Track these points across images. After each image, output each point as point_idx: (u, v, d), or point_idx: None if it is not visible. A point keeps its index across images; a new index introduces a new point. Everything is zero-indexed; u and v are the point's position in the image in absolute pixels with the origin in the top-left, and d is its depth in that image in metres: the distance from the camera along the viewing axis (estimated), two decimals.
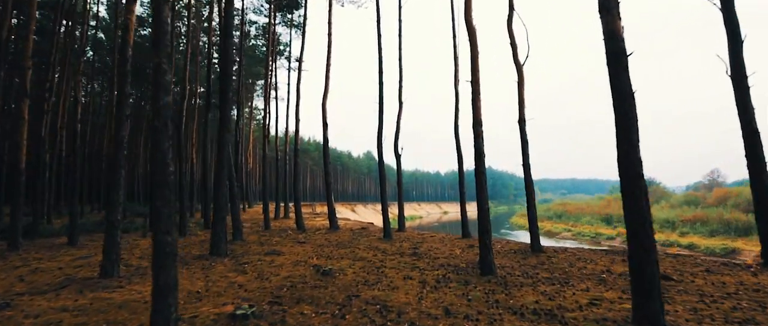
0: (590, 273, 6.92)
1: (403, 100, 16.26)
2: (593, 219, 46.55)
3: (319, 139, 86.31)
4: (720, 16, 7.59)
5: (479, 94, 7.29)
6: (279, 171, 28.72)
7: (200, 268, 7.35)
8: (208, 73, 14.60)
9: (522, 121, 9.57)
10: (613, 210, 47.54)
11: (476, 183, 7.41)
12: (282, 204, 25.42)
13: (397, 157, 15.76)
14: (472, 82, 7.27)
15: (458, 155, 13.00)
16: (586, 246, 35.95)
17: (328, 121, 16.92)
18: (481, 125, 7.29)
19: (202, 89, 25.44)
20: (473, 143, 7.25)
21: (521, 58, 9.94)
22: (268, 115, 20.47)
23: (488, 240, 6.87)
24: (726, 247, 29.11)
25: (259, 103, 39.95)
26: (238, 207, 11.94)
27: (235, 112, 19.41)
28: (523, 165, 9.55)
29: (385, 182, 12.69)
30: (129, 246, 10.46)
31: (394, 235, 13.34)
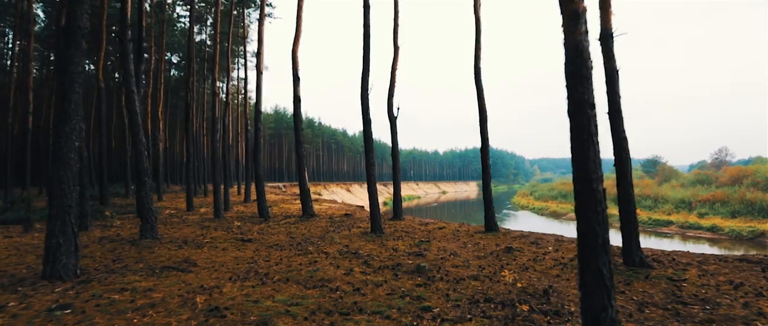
0: None
1: (399, 44, 11.80)
2: None
3: (311, 114, 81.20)
4: None
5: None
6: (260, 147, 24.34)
7: None
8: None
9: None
10: None
11: None
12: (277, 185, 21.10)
13: (392, 120, 11.45)
14: None
15: (481, 113, 8.70)
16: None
17: (299, 74, 12.48)
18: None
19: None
20: None
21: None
22: (227, 74, 15.93)
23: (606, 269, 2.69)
24: (754, 230, 25.47)
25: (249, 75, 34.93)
26: (147, 191, 7.71)
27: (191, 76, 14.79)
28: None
29: (372, 152, 8.47)
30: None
31: (386, 227, 9.26)
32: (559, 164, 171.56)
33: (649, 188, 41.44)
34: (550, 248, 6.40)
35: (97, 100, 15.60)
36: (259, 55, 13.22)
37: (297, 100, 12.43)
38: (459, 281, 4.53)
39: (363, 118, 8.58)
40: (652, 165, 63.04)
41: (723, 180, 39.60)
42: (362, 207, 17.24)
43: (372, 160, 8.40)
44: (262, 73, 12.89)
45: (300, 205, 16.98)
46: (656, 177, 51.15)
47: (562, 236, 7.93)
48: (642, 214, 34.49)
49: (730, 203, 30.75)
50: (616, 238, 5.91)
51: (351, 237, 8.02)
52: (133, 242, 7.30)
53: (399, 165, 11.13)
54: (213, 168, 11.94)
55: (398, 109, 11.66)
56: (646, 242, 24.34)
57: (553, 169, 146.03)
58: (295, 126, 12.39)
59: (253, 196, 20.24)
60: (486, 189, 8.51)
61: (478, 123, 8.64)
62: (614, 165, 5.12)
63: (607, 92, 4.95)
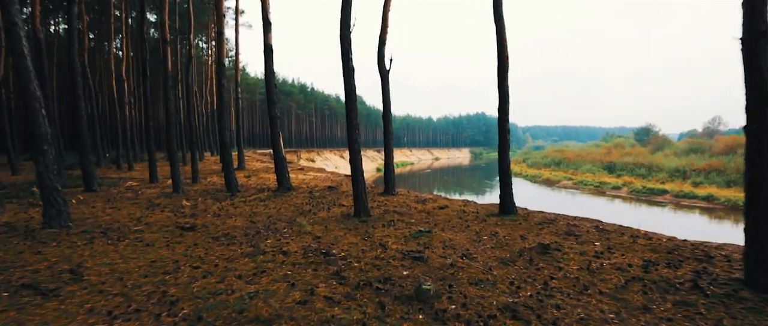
0: None
1: None
2: (594, 168, 41.90)
3: (303, 79, 77.01)
4: None
5: None
6: (244, 112, 21.76)
7: None
8: None
9: None
10: (616, 158, 42.83)
11: None
12: (268, 152, 18.84)
13: (383, 74, 9.14)
14: None
15: (501, 62, 6.42)
16: (602, 199, 31.27)
17: (270, 18, 9.87)
18: None
19: None
20: None
21: None
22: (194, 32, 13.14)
23: None
24: None
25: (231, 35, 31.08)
26: (49, 163, 5.50)
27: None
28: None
29: (355, 112, 6.21)
30: None
31: (375, 206, 7.32)
32: (551, 132, 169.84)
33: (642, 156, 40.28)
34: (597, 245, 4.51)
35: (34, 53, 12.81)
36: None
37: (268, 51, 9.93)
38: (487, 322, 2.63)
39: (343, 66, 6.28)
40: (645, 134, 61.84)
41: (717, 149, 38.64)
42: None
43: (354, 121, 6.22)
44: (239, 15, 10.19)
45: (291, 175, 14.95)
46: (649, 146, 50.23)
47: (599, 222, 6.06)
48: (636, 182, 33.40)
49: (727, 172, 29.77)
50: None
51: (328, 222, 6.05)
52: (28, 233, 5.24)
53: (391, 129, 8.99)
54: (167, 135, 9.65)
55: (391, 60, 9.30)
56: (638, 211, 23.29)
57: (545, 137, 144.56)
58: (266, 81, 9.99)
59: (256, 165, 18.05)
60: (503, 159, 6.46)
61: (496, 74, 6.42)
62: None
63: None
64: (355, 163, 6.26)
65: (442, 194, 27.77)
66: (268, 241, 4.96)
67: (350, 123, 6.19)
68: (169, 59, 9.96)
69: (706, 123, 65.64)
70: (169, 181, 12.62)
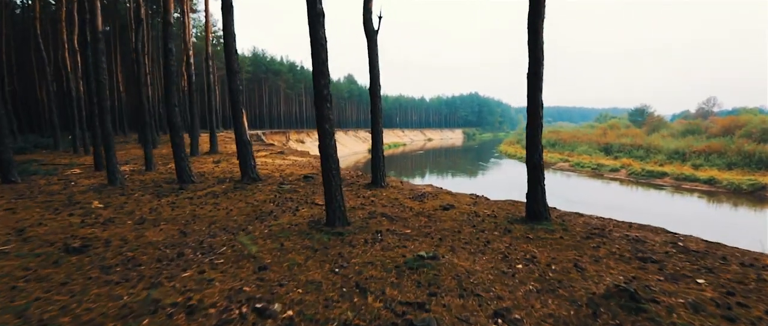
0: None
1: None
2: (591, 149, 40.64)
3: (293, 58, 73.18)
4: None
5: None
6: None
7: None
8: None
9: None
10: (612, 140, 41.54)
11: None
12: (255, 132, 16.64)
13: (370, 34, 7.07)
14: None
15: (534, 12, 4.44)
16: (602, 182, 29.96)
17: None
18: None
19: None
20: None
21: None
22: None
23: None
24: (755, 183, 23.31)
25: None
26: None
27: None
28: None
29: (325, 77, 4.17)
30: None
31: (358, 205, 5.46)
32: (545, 113, 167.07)
33: (639, 138, 39.03)
34: (706, 290, 2.76)
35: None
36: None
37: (227, 7, 7.69)
38: None
39: (308, 7, 4.21)
40: (640, 115, 60.73)
41: (714, 130, 37.63)
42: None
43: (325, 90, 4.21)
44: None
45: (263, 159, 12.99)
46: (644, 127, 49.26)
47: (665, 231, 4.31)
48: (634, 165, 32.18)
49: (727, 154, 28.65)
50: None
51: (287, 234, 4.18)
52: None
53: (381, 106, 7.02)
54: (99, 112, 7.49)
55: (380, 18, 7.21)
56: (648, 197, 21.95)
57: None
58: (226, 44, 7.80)
59: (233, 147, 15.81)
60: (533, 146, 4.57)
61: (527, 23, 4.44)
62: None
63: None
64: (327, 150, 4.30)
65: (439, 182, 26.16)
66: (185, 275, 3.10)
67: (319, 93, 4.20)
68: (97, 15, 7.66)
69: (700, 104, 64.69)
70: (124, 168, 10.56)
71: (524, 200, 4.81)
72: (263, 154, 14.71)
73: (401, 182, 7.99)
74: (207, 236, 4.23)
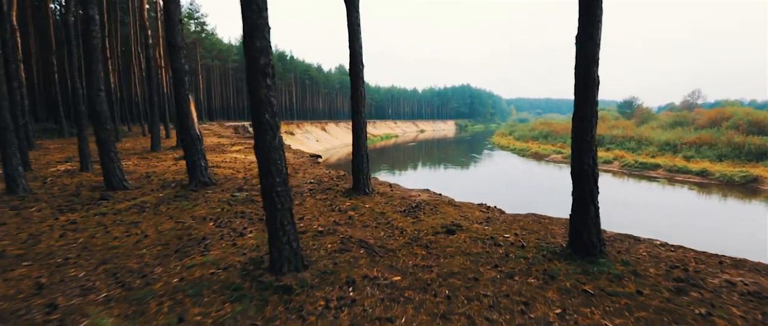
0: None
1: None
2: None
3: (282, 47, 70.25)
4: None
5: None
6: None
7: None
8: None
9: None
10: (603, 131, 40.66)
11: None
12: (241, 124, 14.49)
13: (349, 5, 5.32)
14: None
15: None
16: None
17: None
18: None
19: None
20: None
21: None
22: None
23: None
24: (746, 175, 22.48)
25: None
26: None
27: None
28: None
29: (264, 40, 2.56)
30: None
31: (324, 234, 3.80)
32: (535, 104, 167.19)
33: (630, 129, 38.24)
34: None
35: None
36: None
37: None
38: None
39: None
40: (628, 107, 60.30)
41: (701, 122, 37.14)
42: (317, 159, 11.61)
43: (260, 59, 2.52)
44: None
45: (235, 154, 11.16)
46: (633, 119, 48.83)
47: None
48: (627, 156, 31.24)
49: (717, 146, 27.93)
50: None
51: (202, 293, 2.51)
52: None
53: (363, 91, 5.33)
54: None
55: None
56: (633, 186, 20.93)
57: (529, 109, 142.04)
58: (166, 11, 5.95)
59: (209, 141, 13.67)
60: (584, 149, 2.98)
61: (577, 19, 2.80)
62: None
63: None
64: (268, 155, 2.60)
65: (434, 175, 24.63)
66: None
67: (253, 62, 2.50)
68: None
69: (685, 96, 64.50)
70: (60, 168, 8.68)
71: (546, 213, 3.28)
72: (237, 148, 12.86)
73: (390, 187, 6.34)
74: (64, 297, 2.54)
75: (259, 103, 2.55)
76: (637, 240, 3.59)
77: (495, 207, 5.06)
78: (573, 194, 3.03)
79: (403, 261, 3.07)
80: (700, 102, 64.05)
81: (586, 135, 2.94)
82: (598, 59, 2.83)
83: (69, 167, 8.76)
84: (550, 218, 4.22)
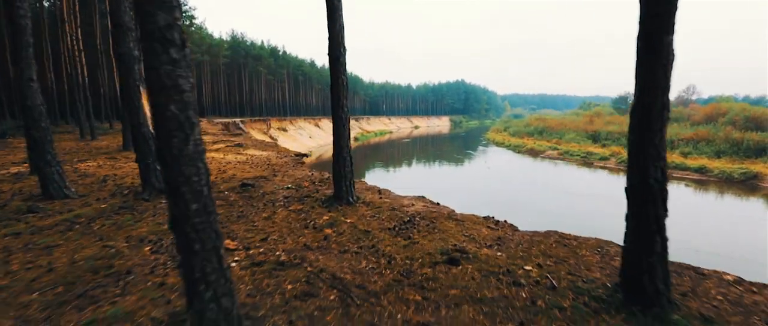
0: None
1: None
2: (579, 137, 39.08)
3: (274, 42, 68.59)
4: None
5: None
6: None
7: None
8: None
9: None
10: (599, 127, 40.09)
11: None
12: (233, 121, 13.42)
13: None
14: None
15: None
16: (590, 171, 28.30)
17: None
18: None
19: None
20: None
21: None
22: None
23: None
24: (746, 171, 21.96)
25: None
26: None
27: None
28: None
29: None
30: None
31: (289, 266, 2.86)
32: (529, 100, 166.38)
33: (626, 125, 37.85)
34: None
35: None
36: None
37: None
38: None
39: None
40: (623, 102, 59.87)
41: (696, 118, 36.76)
42: (303, 158, 10.59)
43: (157, 23, 1.60)
44: None
45: (213, 153, 10.14)
46: (628, 114, 48.26)
47: None
48: (623, 153, 30.66)
49: (715, 142, 27.44)
50: None
51: None
52: None
53: (345, 81, 4.40)
54: None
55: None
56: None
57: (523, 105, 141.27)
58: None
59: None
60: (640, 147, 2.09)
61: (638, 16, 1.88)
62: None
63: None
64: (171, 162, 1.68)
65: (428, 173, 23.78)
66: None
67: (151, 33, 1.56)
68: None
69: (680, 92, 64.19)
70: (16, 169, 7.59)
71: (568, 231, 2.41)
72: (217, 147, 11.77)
73: (379, 193, 5.40)
74: None
75: (160, 88, 1.59)
76: (700, 273, 2.70)
77: (505, 222, 4.13)
78: (628, 219, 2.13)
79: (389, 314, 2.14)
80: (694, 97, 63.87)
81: (653, 134, 2.02)
82: (674, 25, 1.91)
83: (22, 169, 7.69)
84: (576, 238, 3.33)
